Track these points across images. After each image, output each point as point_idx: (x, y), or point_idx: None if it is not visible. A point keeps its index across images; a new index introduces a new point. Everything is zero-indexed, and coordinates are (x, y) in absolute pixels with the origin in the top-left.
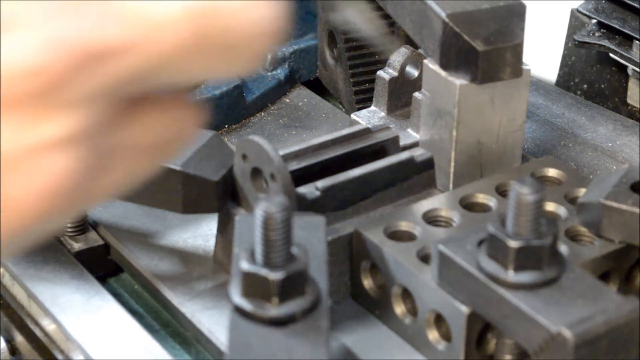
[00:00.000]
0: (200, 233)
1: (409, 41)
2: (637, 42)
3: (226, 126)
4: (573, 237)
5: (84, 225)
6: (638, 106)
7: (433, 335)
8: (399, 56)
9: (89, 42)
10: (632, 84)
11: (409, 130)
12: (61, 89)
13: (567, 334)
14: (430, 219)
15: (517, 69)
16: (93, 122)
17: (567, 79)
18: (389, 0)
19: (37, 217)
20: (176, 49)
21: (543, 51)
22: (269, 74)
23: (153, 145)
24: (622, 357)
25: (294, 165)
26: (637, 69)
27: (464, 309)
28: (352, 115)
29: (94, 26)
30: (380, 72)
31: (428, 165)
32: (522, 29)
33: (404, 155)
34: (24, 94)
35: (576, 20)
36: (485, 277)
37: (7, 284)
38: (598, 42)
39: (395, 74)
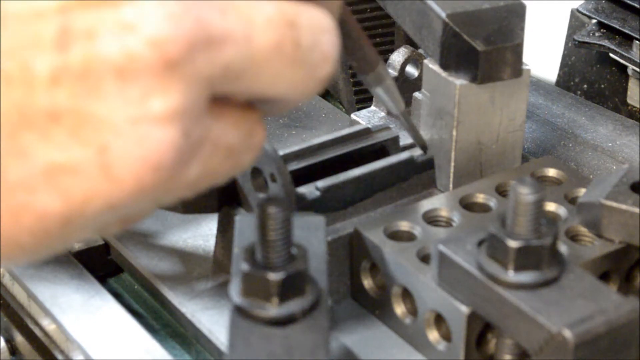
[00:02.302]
0: (200, 233)
1: (409, 41)
2: (637, 42)
3: None
4: (573, 237)
5: None
6: (638, 106)
7: (433, 335)
8: (399, 56)
9: (209, 23)
10: (632, 84)
11: None
12: (177, 64)
13: (567, 334)
14: (430, 219)
15: (517, 69)
16: (194, 103)
17: (567, 79)
18: (389, 0)
19: (136, 192)
20: (264, 49)
21: (543, 51)
22: None
23: (228, 148)
24: (622, 357)
25: (294, 165)
26: (637, 69)
27: (464, 309)
28: (352, 115)
29: (213, 10)
30: None
31: (428, 165)
32: (522, 29)
33: (404, 155)
34: (144, 65)
35: (576, 20)
36: (485, 277)
37: (7, 284)
38: (598, 42)
39: (395, 74)
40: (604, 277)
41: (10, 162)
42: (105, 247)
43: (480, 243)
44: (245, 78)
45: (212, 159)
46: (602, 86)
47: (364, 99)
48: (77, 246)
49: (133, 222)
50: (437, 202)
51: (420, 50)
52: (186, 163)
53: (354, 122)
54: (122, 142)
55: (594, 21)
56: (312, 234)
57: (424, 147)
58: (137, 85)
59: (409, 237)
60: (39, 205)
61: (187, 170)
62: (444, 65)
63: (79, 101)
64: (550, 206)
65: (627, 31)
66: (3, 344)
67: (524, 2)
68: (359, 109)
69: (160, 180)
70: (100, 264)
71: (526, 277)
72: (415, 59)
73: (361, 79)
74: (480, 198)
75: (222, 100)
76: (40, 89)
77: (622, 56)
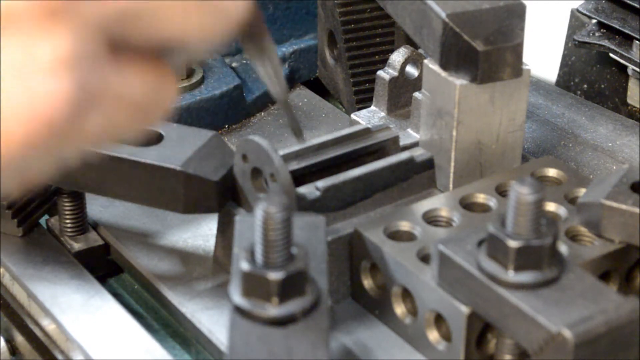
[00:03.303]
0: (200, 233)
1: (409, 41)
2: (637, 42)
3: (226, 126)
4: (573, 237)
5: (84, 225)
6: (638, 106)
7: (433, 335)
8: (399, 56)
9: None
10: (632, 84)
11: (409, 130)
12: (61, 8)
13: (567, 334)
14: (430, 219)
15: (517, 69)
16: (87, 51)
17: (567, 79)
18: (389, 0)
19: (27, 147)
20: None
21: (543, 51)
22: None
23: (134, 101)
24: (622, 357)
25: (294, 165)
26: (637, 69)
27: (464, 309)
28: (352, 115)
29: None
30: (380, 72)
31: (428, 165)
32: (522, 29)
33: (404, 155)
34: (23, 12)
35: (576, 20)
36: (485, 277)
37: (7, 284)
38: (598, 42)
39: (395, 74)
40: (604, 277)
41: None
42: (105, 247)
43: (480, 243)
44: (145, 20)
45: (116, 113)
46: (602, 86)
47: (364, 99)
48: (77, 246)
49: (36, 182)
50: (437, 202)
51: (420, 50)
52: (82, 116)
53: (354, 122)
54: (9, 96)
55: (594, 21)
56: (312, 234)
57: (299, 135)
58: (19, 35)
59: (409, 237)
60: None
61: (85, 123)
62: (444, 65)
63: None
64: (550, 206)
65: (627, 31)
66: (3, 344)
67: (524, 2)
68: (359, 109)
69: (53, 134)
70: (100, 264)
71: (526, 277)
72: (415, 59)
73: (242, 47)
74: (480, 198)
75: (124, 50)
76: None
77: (622, 56)
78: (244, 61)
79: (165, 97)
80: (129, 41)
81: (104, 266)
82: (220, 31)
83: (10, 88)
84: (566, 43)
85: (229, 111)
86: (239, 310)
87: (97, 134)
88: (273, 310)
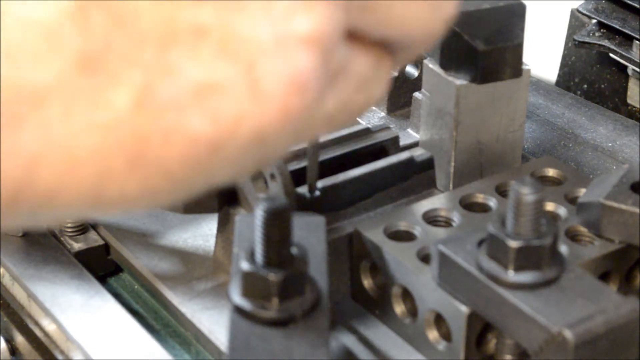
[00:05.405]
0: (200, 233)
1: None
2: (637, 42)
3: None
4: (573, 237)
5: (84, 225)
6: (638, 106)
7: (433, 335)
8: None
9: None
10: (632, 84)
11: (409, 130)
12: None
13: (567, 334)
14: (430, 219)
15: (517, 69)
16: (335, 30)
17: (567, 79)
18: None
19: (282, 115)
20: None
21: (543, 51)
22: None
23: (360, 78)
24: (622, 357)
25: (294, 165)
26: (637, 69)
27: (464, 309)
28: None
29: None
30: None
31: (428, 165)
32: (522, 29)
33: (404, 155)
34: None
35: (576, 20)
36: (485, 277)
37: (7, 284)
38: (598, 42)
39: (395, 74)
40: (604, 277)
41: (161, 80)
42: (105, 247)
43: (480, 243)
44: (378, 10)
45: (346, 89)
46: (602, 86)
47: None
48: (77, 246)
49: (269, 164)
50: (437, 202)
51: None
52: (325, 91)
53: (354, 122)
54: (268, 61)
55: (594, 21)
56: (312, 234)
57: (311, 190)
58: (282, 4)
59: (409, 237)
60: (189, 127)
61: (325, 100)
62: (444, 65)
63: (224, 17)
64: (550, 206)
65: (627, 31)
66: (3, 344)
67: (524, 2)
68: None
69: (304, 105)
70: (100, 264)
71: (526, 277)
72: (415, 59)
73: None
74: (480, 198)
75: (352, 35)
76: (185, 4)
77: (622, 56)
78: None
79: (384, 73)
80: (359, 29)
81: (104, 266)
82: (436, 28)
83: (271, 54)
84: (566, 43)
85: None
86: (239, 310)
87: (333, 113)
88: (273, 310)
